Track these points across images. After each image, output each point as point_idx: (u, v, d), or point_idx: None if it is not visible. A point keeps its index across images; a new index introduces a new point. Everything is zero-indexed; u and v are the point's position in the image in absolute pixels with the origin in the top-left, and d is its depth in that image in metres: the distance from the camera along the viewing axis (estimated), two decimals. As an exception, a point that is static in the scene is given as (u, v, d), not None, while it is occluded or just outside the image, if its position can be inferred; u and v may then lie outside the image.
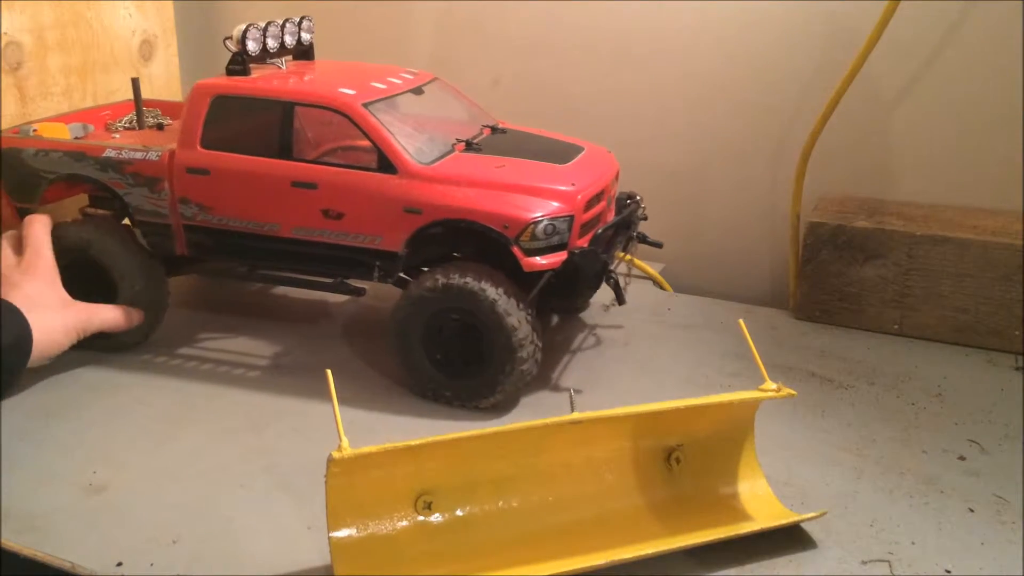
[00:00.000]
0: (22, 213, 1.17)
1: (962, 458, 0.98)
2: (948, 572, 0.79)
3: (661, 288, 1.53)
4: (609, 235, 1.12)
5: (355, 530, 0.75)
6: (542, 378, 1.14)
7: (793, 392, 0.84)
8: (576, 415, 0.76)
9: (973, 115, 1.38)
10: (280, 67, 1.20)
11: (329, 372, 0.73)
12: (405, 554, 0.76)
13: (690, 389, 1.12)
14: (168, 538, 0.81)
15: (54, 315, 1.03)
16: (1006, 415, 1.08)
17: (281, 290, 1.45)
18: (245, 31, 1.13)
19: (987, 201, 1.40)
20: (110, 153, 1.12)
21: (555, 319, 1.35)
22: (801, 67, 1.46)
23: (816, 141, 1.39)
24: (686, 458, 0.86)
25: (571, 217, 1.03)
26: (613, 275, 1.05)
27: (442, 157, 1.07)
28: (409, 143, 1.06)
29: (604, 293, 1.10)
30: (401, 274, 1.08)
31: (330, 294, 1.41)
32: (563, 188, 1.04)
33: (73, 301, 1.07)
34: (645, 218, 1.21)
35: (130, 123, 1.33)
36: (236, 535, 0.82)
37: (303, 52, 1.28)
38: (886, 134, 1.45)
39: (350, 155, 1.09)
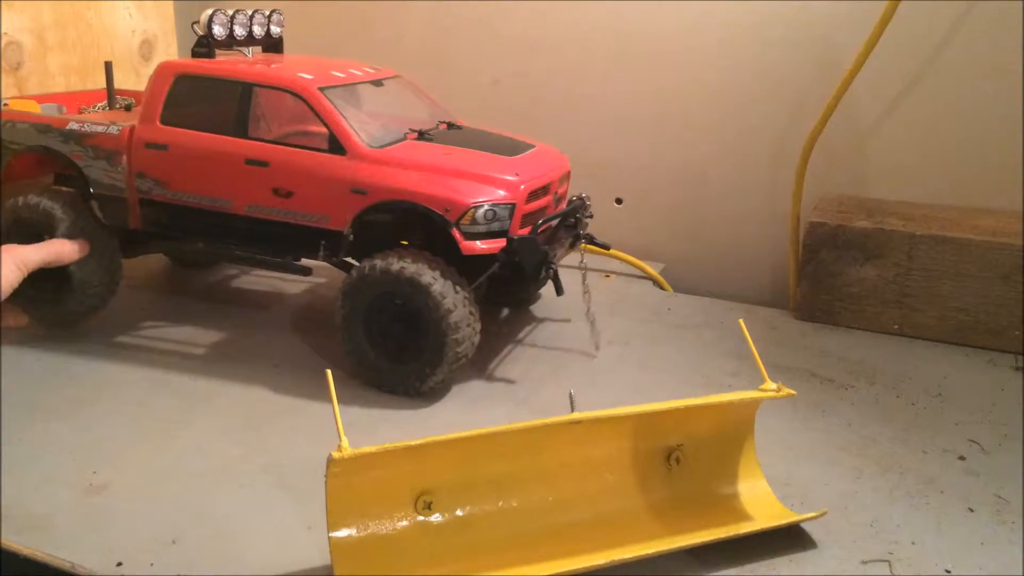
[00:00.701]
0: None
1: (962, 458, 0.98)
2: (948, 572, 0.79)
3: (661, 288, 1.53)
4: (551, 226, 1.13)
5: (355, 530, 0.75)
6: (541, 378, 1.15)
7: (793, 392, 0.84)
8: (576, 415, 0.76)
9: (973, 115, 1.38)
10: (246, 55, 1.22)
11: (329, 372, 0.73)
12: (405, 554, 0.76)
13: (690, 389, 1.12)
14: (168, 538, 0.81)
15: None
16: (1006, 415, 1.08)
17: (275, 284, 1.45)
18: (212, 16, 1.15)
19: (987, 201, 1.40)
20: (73, 126, 1.15)
21: (504, 312, 1.35)
22: (801, 67, 1.46)
23: (816, 141, 1.39)
24: (686, 458, 0.86)
25: (512, 205, 1.05)
26: (554, 266, 1.07)
27: (393, 143, 1.10)
28: (361, 127, 1.09)
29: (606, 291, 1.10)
30: (347, 258, 1.11)
31: (320, 289, 1.43)
32: (507, 177, 1.06)
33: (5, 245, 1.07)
34: (591, 216, 1.22)
35: (103, 109, 1.36)
36: (236, 535, 0.82)
37: (272, 45, 1.31)
38: (886, 134, 1.45)
39: (304, 139, 1.12)
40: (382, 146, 1.08)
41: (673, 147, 1.58)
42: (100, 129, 1.15)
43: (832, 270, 1.34)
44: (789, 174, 1.45)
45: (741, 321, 0.89)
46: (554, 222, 1.14)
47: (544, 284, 1.15)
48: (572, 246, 1.20)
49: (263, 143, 1.09)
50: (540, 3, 1.60)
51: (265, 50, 1.30)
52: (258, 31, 1.24)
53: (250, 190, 1.10)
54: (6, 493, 0.86)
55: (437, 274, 1.02)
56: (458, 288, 1.03)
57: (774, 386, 0.84)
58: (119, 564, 0.77)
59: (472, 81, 1.67)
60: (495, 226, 1.04)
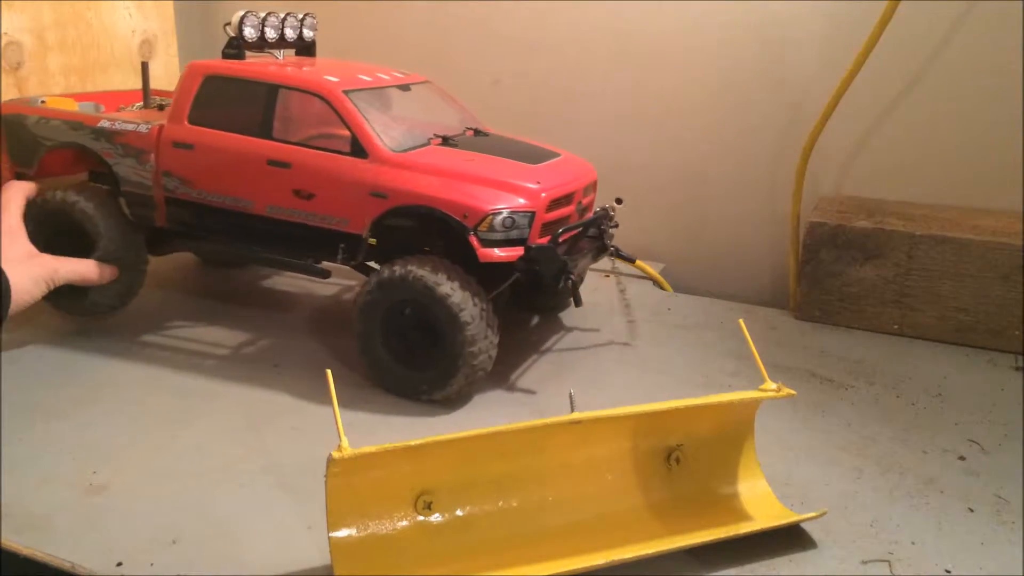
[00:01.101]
0: (19, 177, 1.21)
1: (962, 458, 0.98)
2: (948, 572, 0.79)
3: (661, 288, 1.53)
4: (573, 235, 1.12)
5: (355, 530, 0.75)
6: (541, 378, 1.15)
7: (793, 392, 0.84)
8: (576, 415, 0.76)
9: (973, 115, 1.38)
10: (277, 58, 1.22)
11: (329, 372, 0.73)
12: (405, 554, 0.76)
13: (690, 389, 1.12)
14: (168, 538, 0.81)
15: (20, 267, 1.04)
16: (1006, 415, 1.08)
17: (279, 283, 1.45)
18: (243, 17, 1.16)
19: (987, 201, 1.40)
20: (104, 123, 1.17)
21: (535, 319, 1.35)
22: (801, 67, 1.46)
23: (816, 141, 1.39)
24: (686, 458, 0.86)
25: (532, 213, 1.04)
26: (572, 277, 1.05)
27: (416, 148, 1.10)
28: (384, 131, 1.09)
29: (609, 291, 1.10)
30: (367, 263, 1.11)
31: (323, 289, 1.43)
32: (527, 185, 1.05)
33: (39, 253, 1.09)
34: (616, 225, 1.21)
35: (139, 108, 1.36)
36: (236, 535, 0.82)
37: (304, 48, 1.30)
38: (886, 134, 1.45)
39: (328, 142, 1.11)
40: (404, 150, 1.08)
41: (673, 147, 1.58)
42: (129, 127, 1.16)
43: (832, 270, 1.34)
44: (789, 174, 1.45)
45: (741, 321, 0.90)
46: (576, 231, 1.13)
47: (568, 294, 1.14)
48: (596, 257, 1.19)
49: (285, 144, 1.09)
50: (540, 3, 1.60)
51: (297, 54, 1.30)
52: (290, 34, 1.24)
53: (271, 191, 1.10)
54: (6, 493, 0.86)
55: (455, 284, 1.01)
56: (478, 303, 1.02)
57: (774, 386, 0.84)
58: (119, 564, 0.77)
59: (472, 81, 1.67)
60: (514, 234, 1.03)
